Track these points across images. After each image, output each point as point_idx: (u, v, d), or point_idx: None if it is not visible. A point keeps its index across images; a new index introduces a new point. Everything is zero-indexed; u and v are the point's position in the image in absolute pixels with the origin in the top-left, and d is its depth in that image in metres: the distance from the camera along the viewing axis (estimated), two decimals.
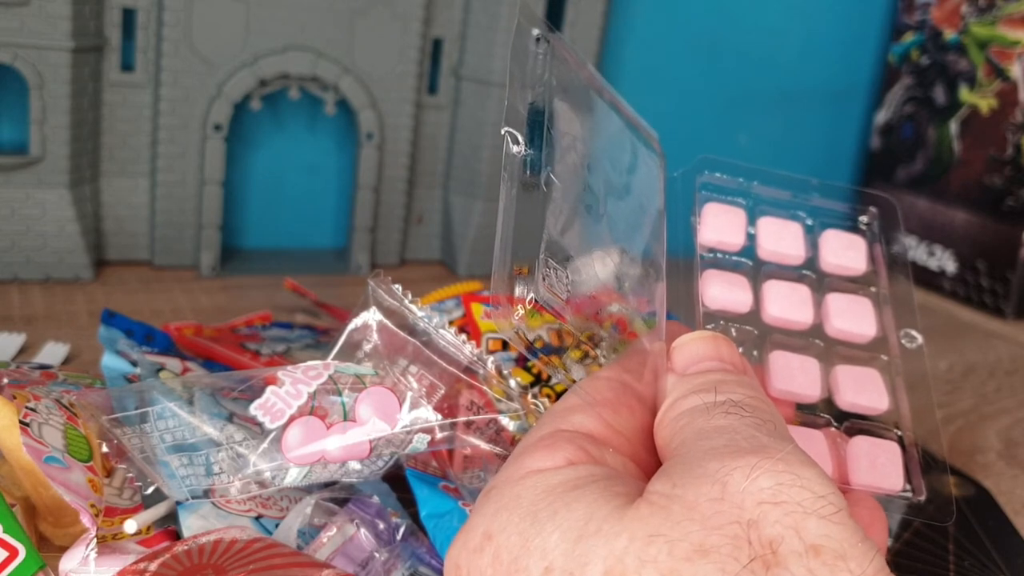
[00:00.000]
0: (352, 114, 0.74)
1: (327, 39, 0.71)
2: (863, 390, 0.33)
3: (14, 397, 0.37)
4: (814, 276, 0.35)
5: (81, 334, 0.58)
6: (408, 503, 0.40)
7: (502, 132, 0.29)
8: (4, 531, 0.33)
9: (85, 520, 0.33)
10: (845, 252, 0.35)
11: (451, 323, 0.48)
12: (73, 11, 0.62)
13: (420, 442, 0.38)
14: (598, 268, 0.30)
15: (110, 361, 0.46)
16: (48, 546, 0.37)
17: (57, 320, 0.61)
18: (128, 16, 0.66)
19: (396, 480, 0.40)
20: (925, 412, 0.34)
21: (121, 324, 0.51)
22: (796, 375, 0.33)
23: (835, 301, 0.34)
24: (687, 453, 0.25)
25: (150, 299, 0.66)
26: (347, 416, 0.38)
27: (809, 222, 0.36)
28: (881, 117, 1.00)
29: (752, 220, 0.36)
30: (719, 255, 0.35)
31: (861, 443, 0.32)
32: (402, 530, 0.38)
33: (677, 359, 0.30)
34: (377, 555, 0.37)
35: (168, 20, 0.66)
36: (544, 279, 0.27)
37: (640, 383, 0.30)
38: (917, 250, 0.96)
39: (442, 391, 0.39)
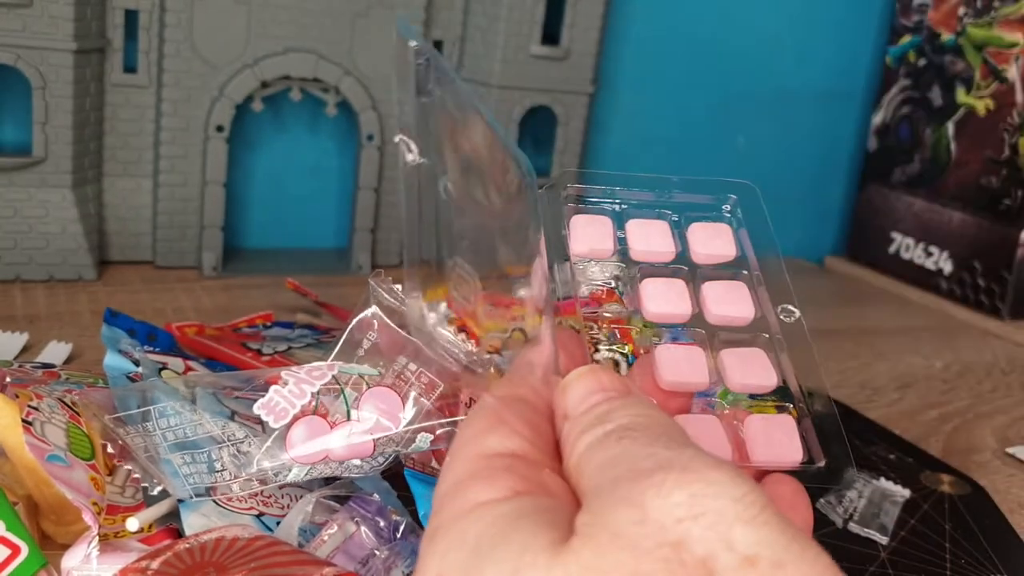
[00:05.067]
0: (353, 115, 0.74)
1: (328, 41, 0.71)
2: (751, 370, 0.34)
3: (17, 396, 0.37)
4: (687, 269, 0.36)
5: (84, 333, 0.58)
6: (408, 501, 0.40)
7: (396, 140, 0.28)
8: (6, 529, 0.33)
9: (87, 518, 0.33)
10: (712, 241, 0.36)
11: (450, 323, 0.49)
12: (76, 12, 0.62)
13: (423, 441, 0.38)
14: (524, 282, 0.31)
15: (112, 360, 0.46)
16: (50, 544, 0.37)
17: (60, 319, 0.61)
18: (130, 18, 0.67)
19: (396, 478, 0.41)
20: (813, 378, 0.34)
21: (124, 323, 0.51)
22: (682, 365, 0.33)
23: (711, 289, 0.35)
24: (598, 487, 0.25)
25: (152, 299, 0.67)
26: (350, 415, 0.38)
27: (675, 218, 0.37)
28: (878, 118, 1.01)
29: (620, 225, 0.36)
30: (592, 262, 0.36)
31: (756, 421, 0.33)
32: (402, 528, 0.38)
33: (567, 404, 0.29)
34: (378, 553, 0.37)
35: (170, 22, 0.67)
36: (453, 284, 0.27)
37: (540, 401, 0.30)
38: (914, 250, 0.96)
39: (441, 390, 0.39)
